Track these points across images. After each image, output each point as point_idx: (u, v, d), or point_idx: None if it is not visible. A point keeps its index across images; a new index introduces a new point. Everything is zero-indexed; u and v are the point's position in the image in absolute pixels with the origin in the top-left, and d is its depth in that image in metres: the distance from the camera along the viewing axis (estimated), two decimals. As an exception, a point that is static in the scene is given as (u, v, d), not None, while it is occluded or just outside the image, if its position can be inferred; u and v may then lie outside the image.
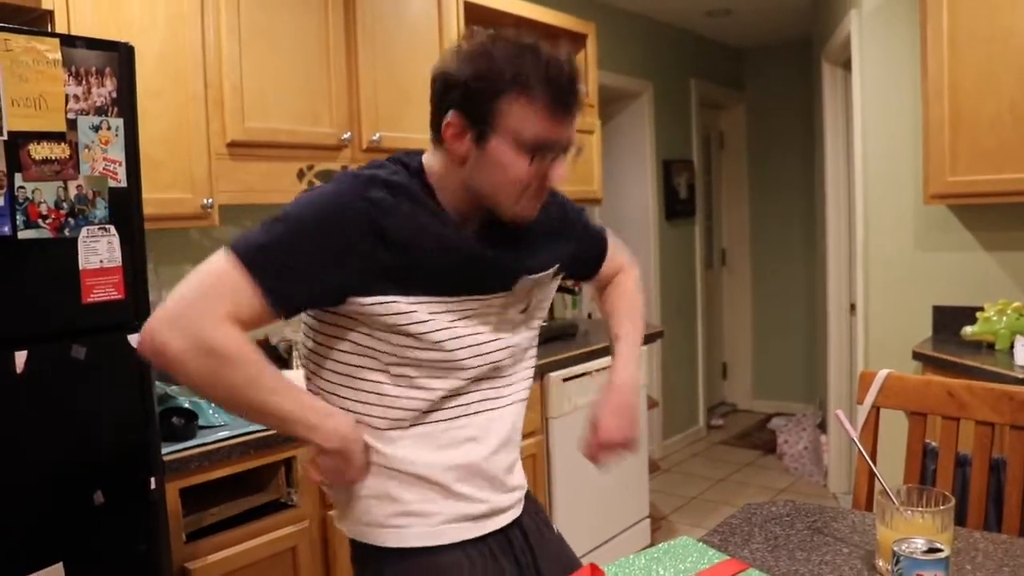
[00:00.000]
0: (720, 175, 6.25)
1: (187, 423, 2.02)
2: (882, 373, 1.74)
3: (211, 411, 2.12)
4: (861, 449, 1.39)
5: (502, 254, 1.32)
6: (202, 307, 1.16)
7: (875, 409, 1.74)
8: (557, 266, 1.44)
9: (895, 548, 1.03)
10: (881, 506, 1.18)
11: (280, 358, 2.80)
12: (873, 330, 3.55)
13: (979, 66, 2.82)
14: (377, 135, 2.68)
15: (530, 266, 1.37)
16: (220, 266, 1.18)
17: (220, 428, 2.08)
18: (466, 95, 1.22)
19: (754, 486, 4.62)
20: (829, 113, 4.39)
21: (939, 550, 1.02)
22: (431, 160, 1.31)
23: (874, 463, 1.71)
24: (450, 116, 1.24)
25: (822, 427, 4.97)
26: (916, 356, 3.00)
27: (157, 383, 2.04)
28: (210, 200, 2.26)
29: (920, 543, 1.04)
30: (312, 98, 2.53)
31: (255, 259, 1.18)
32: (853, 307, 3.90)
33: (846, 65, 3.99)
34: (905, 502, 1.21)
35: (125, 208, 1.70)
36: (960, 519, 1.67)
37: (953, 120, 2.88)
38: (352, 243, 1.20)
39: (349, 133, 2.61)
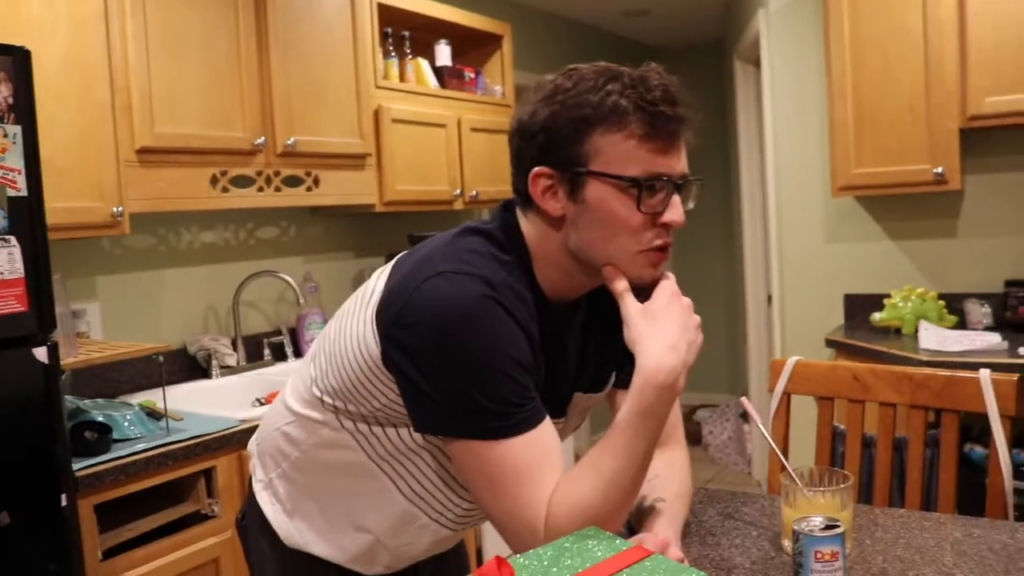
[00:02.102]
0: (642, 172, 6.34)
1: (101, 437, 1.97)
2: (791, 360, 1.80)
3: (126, 424, 2.07)
4: (764, 433, 1.43)
5: (571, 371, 1.19)
6: (531, 500, 1.02)
7: (786, 395, 1.80)
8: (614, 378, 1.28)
9: (795, 527, 1.07)
10: (785, 488, 1.22)
11: (198, 367, 2.75)
12: (789, 320, 3.66)
13: (879, 66, 2.94)
14: (292, 139, 2.65)
15: (593, 380, 1.24)
16: (487, 458, 1.02)
17: (136, 440, 2.03)
18: (548, 141, 1.07)
19: (682, 477, 4.70)
20: (742, 110, 4.51)
21: (836, 526, 1.07)
22: (526, 227, 1.15)
23: (787, 448, 1.77)
24: (535, 170, 1.09)
25: (744, 417, 5.09)
26: (829, 343, 3.10)
27: (68, 397, 1.98)
28: (120, 208, 2.20)
29: (818, 520, 1.08)
30: (223, 102, 2.48)
31: (490, 421, 1.01)
32: (770, 298, 4.01)
33: (757, 63, 4.10)
34: (808, 483, 1.26)
35: (27, 218, 1.65)
36: (868, 497, 1.74)
37: (857, 118, 2.99)
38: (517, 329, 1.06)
39: (263, 138, 2.58)
